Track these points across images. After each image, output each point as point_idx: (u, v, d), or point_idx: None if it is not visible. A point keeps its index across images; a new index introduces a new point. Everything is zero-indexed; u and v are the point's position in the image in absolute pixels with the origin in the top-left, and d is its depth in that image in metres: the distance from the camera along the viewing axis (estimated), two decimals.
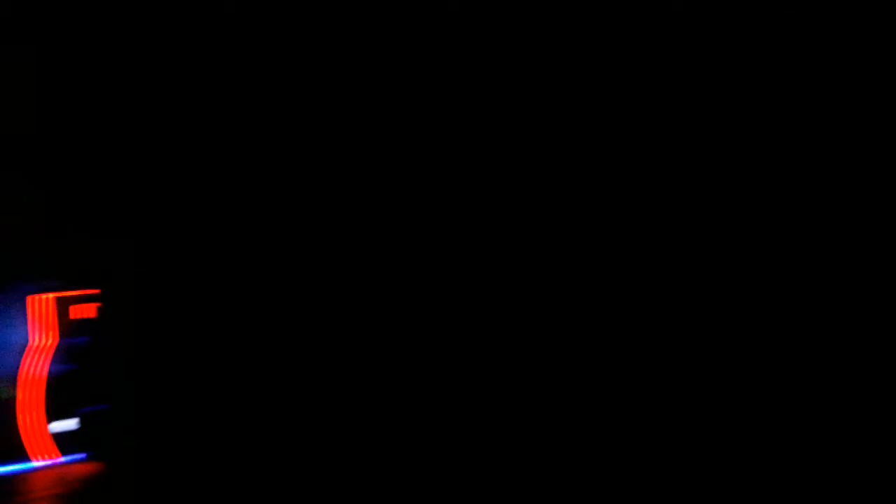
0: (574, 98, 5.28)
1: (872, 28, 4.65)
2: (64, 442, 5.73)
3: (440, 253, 5.32)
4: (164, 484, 5.00)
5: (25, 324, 5.81)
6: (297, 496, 4.64)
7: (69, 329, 5.84)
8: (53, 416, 5.74)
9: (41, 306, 5.84)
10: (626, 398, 4.98)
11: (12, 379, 5.73)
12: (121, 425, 5.60)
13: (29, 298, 5.82)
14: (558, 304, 5.18)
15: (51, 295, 5.85)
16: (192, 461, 5.15)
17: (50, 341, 5.80)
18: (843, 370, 4.65)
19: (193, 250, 5.58)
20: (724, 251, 5.07)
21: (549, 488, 4.43)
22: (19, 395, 5.72)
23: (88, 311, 5.90)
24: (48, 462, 5.69)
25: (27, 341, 5.79)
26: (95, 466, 5.64)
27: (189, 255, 5.59)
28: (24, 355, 5.76)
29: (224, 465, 5.00)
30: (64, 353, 5.79)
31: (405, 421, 5.07)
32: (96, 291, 5.92)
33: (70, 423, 5.78)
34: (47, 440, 5.70)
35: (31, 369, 5.75)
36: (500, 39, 5.35)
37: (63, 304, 5.84)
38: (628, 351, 5.09)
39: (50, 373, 5.74)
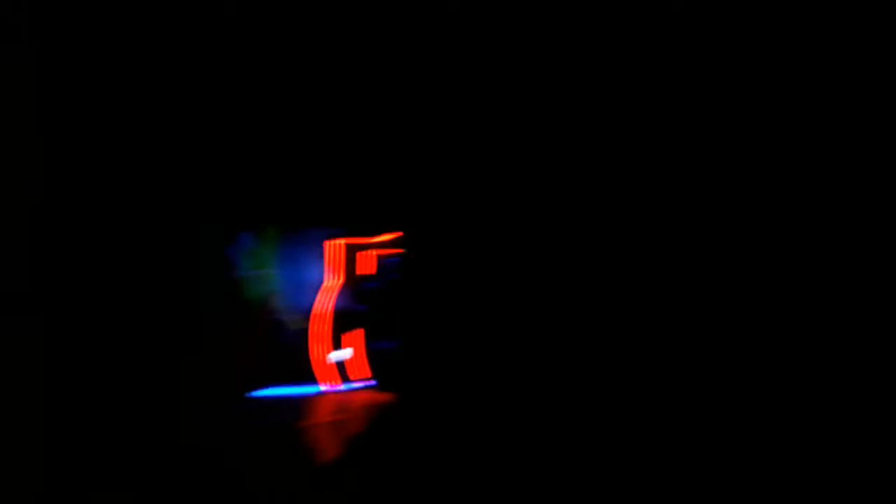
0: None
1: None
2: (348, 371, 6.37)
3: None
4: (437, 415, 5.39)
5: (321, 265, 6.54)
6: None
7: (356, 272, 6.46)
8: (337, 348, 6.40)
9: (334, 251, 6.50)
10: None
11: (306, 313, 6.47)
12: (402, 360, 6.08)
13: (325, 243, 6.52)
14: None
15: (342, 241, 6.49)
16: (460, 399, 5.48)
17: (339, 282, 6.45)
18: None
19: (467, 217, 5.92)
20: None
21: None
22: (310, 328, 6.43)
23: (374, 258, 6.50)
24: (332, 388, 6.34)
25: (321, 280, 6.51)
26: (376, 395, 6.19)
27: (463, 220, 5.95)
28: (318, 293, 6.48)
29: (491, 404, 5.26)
30: (351, 293, 6.41)
31: None
32: (384, 239, 6.49)
33: (347, 354, 6.39)
34: (332, 369, 6.36)
35: (322, 305, 6.43)
36: None
37: (352, 250, 6.48)
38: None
39: (337, 309, 6.39)
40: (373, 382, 6.36)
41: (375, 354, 6.33)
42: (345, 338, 6.38)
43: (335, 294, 6.42)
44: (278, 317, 6.48)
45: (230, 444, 4.91)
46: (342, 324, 6.38)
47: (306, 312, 6.45)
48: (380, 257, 6.51)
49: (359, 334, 6.39)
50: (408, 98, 6.25)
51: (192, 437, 4.99)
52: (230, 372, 6.19)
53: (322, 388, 6.35)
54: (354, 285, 6.43)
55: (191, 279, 6.28)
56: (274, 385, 6.30)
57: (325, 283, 6.48)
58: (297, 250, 6.54)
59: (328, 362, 6.36)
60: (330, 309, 6.40)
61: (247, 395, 6.17)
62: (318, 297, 6.44)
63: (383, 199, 6.35)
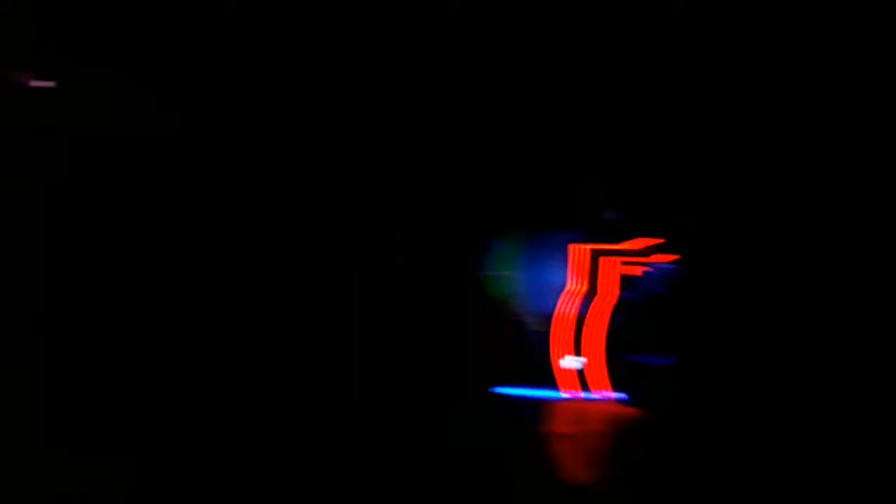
0: None
1: None
2: (588, 380, 6.33)
3: None
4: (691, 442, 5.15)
5: (565, 269, 6.51)
6: None
7: (600, 279, 6.35)
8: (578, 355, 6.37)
9: (579, 255, 6.44)
10: None
11: (548, 316, 6.50)
12: (655, 375, 5.89)
13: (570, 247, 6.47)
14: None
15: (588, 246, 6.40)
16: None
17: (582, 287, 6.39)
18: None
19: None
20: None
21: None
22: (552, 332, 6.47)
23: (619, 265, 6.34)
24: (573, 394, 6.35)
25: (564, 285, 6.50)
26: (619, 409, 6.08)
27: None
28: (560, 297, 6.48)
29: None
30: (597, 301, 6.33)
31: None
32: (635, 246, 6.29)
33: (581, 362, 6.33)
34: (573, 376, 6.35)
35: (564, 310, 6.43)
36: None
37: (597, 256, 6.37)
38: None
39: (579, 315, 6.35)
40: (618, 395, 6.25)
41: (624, 367, 6.20)
42: (585, 345, 6.33)
43: (578, 300, 6.39)
44: (521, 318, 6.60)
45: (470, 441, 5.06)
46: (583, 331, 6.33)
47: (548, 316, 6.49)
48: (628, 264, 6.33)
49: (600, 343, 6.31)
50: (664, 92, 5.89)
51: (439, 429, 5.23)
52: (478, 367, 6.42)
53: (562, 393, 6.39)
54: (602, 293, 6.33)
55: (441, 278, 6.59)
56: (516, 384, 6.44)
57: (567, 288, 6.46)
58: (543, 253, 6.57)
59: (562, 367, 6.36)
60: (572, 314, 6.38)
61: (491, 390, 6.38)
62: (560, 301, 6.44)
63: (638, 204, 6.09)
